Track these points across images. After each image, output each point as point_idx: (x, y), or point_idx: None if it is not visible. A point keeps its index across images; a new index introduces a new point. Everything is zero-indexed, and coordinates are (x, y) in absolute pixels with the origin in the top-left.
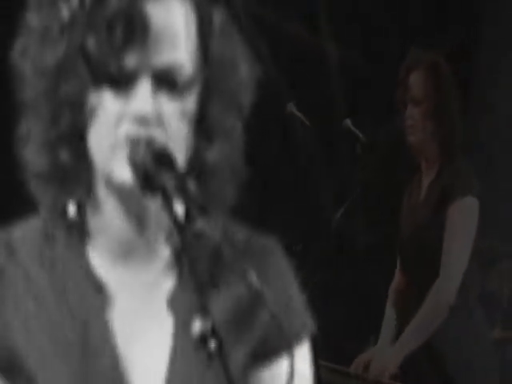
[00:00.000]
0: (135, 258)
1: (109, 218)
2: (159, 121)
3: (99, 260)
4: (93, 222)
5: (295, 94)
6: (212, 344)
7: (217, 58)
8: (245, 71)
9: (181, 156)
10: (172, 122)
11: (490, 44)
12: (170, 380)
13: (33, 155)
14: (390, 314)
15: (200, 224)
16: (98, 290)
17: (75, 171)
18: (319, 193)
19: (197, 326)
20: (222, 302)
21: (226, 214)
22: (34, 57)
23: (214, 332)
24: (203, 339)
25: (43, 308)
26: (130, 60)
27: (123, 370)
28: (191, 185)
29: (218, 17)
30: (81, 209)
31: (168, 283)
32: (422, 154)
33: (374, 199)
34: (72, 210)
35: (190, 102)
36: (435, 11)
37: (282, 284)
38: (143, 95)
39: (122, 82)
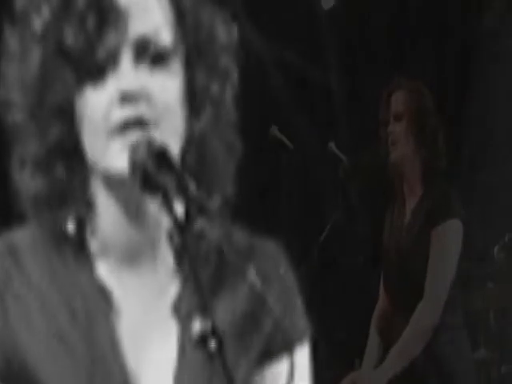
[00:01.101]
0: (139, 263)
1: (109, 223)
2: (146, 96)
3: (104, 267)
4: (94, 231)
5: (279, 117)
6: (212, 344)
7: (194, 24)
8: (223, 34)
9: (177, 127)
10: (160, 96)
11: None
12: None
13: (26, 178)
14: (374, 336)
15: (200, 224)
16: (104, 297)
17: (72, 186)
18: (302, 215)
19: (197, 325)
20: (226, 306)
21: (227, 215)
22: (14, 78)
23: (214, 332)
24: (203, 339)
25: (49, 315)
26: (106, 43)
27: (131, 377)
28: (191, 185)
29: None
30: (80, 223)
31: (173, 288)
32: (405, 173)
33: (356, 222)
34: (71, 227)
35: (176, 69)
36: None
37: (283, 286)
38: (125, 72)
39: (102, 67)
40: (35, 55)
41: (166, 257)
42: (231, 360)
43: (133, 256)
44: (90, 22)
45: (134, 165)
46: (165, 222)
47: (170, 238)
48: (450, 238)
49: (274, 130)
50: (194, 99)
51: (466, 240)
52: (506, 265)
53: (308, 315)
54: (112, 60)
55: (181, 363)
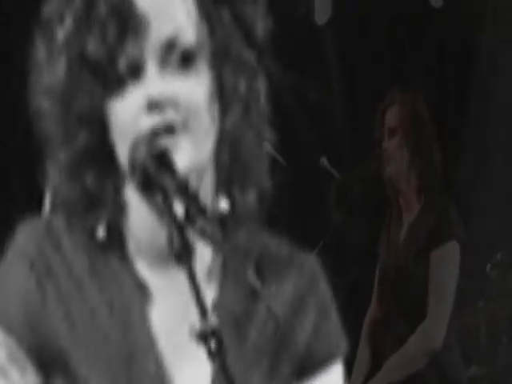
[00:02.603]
0: (172, 265)
1: (141, 226)
2: (173, 102)
3: (141, 263)
4: (129, 233)
5: (271, 132)
6: (212, 344)
7: (220, 23)
8: (253, 33)
9: (206, 129)
10: (187, 99)
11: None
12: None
13: (60, 184)
14: (364, 346)
15: (200, 224)
16: (142, 290)
17: (103, 193)
18: (294, 232)
19: (197, 325)
20: (258, 323)
21: (262, 219)
22: (44, 86)
23: (214, 332)
24: (203, 339)
25: (87, 304)
26: (130, 51)
27: (165, 370)
28: (191, 185)
29: None
30: (112, 228)
31: (211, 287)
32: (401, 188)
33: (349, 238)
34: (101, 232)
35: (202, 72)
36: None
37: (323, 302)
38: (151, 79)
39: (128, 76)
40: (60, 64)
41: (203, 255)
42: (259, 381)
43: (164, 258)
44: (111, 31)
45: (134, 164)
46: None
47: (170, 238)
48: (451, 260)
49: (267, 147)
50: (222, 97)
51: (460, 258)
52: (498, 283)
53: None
54: (136, 67)
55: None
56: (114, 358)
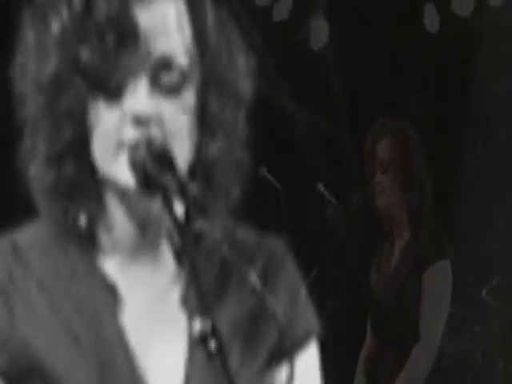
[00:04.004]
0: (144, 262)
1: (118, 225)
2: (158, 120)
3: (108, 261)
4: (102, 230)
5: (267, 157)
6: (212, 344)
7: (213, 50)
8: (241, 62)
9: (184, 152)
10: (172, 119)
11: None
12: (187, 380)
13: (38, 172)
14: (360, 378)
15: (200, 224)
16: (111, 291)
17: (81, 185)
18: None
19: (197, 325)
20: (230, 307)
21: (232, 215)
22: (31, 73)
23: (214, 332)
24: (203, 339)
25: (56, 311)
26: (124, 64)
27: (139, 371)
28: (191, 185)
29: (213, 9)
30: (91, 220)
31: (178, 287)
32: (392, 219)
33: (344, 263)
34: (83, 222)
35: (189, 96)
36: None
37: (292, 284)
38: (139, 96)
39: (119, 88)
40: (52, 59)
41: (168, 257)
42: (235, 363)
43: (138, 255)
44: (109, 39)
45: (134, 165)
46: (165, 224)
47: (170, 238)
48: (442, 278)
49: (264, 171)
50: (206, 124)
51: (455, 282)
52: (494, 308)
53: None
54: (127, 82)
55: (191, 358)
56: (87, 361)
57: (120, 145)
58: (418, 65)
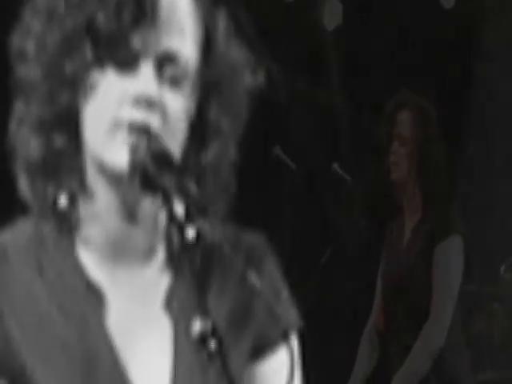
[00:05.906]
0: (128, 256)
1: (100, 210)
2: (161, 107)
3: (92, 260)
4: (83, 215)
5: (281, 137)
6: (212, 344)
7: (219, 62)
8: (247, 79)
9: (176, 151)
10: (174, 113)
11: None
12: (174, 380)
13: (26, 139)
14: (364, 354)
15: (199, 224)
16: (92, 291)
17: (69, 158)
18: (304, 235)
19: (197, 325)
20: (221, 303)
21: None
22: (38, 35)
23: (213, 332)
24: (203, 339)
25: (39, 311)
26: (137, 41)
27: (124, 370)
28: (191, 185)
29: (223, 22)
30: (72, 200)
31: (164, 283)
32: (405, 193)
33: (360, 243)
34: (63, 201)
35: (190, 100)
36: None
37: (272, 279)
38: (146, 76)
39: (127, 63)
40: (64, 19)
41: (158, 250)
42: (229, 357)
43: (121, 247)
44: (128, 11)
45: (134, 165)
46: (161, 219)
47: (169, 237)
48: (453, 253)
49: (277, 150)
50: (201, 131)
51: (472, 260)
52: None
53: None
54: (134, 62)
55: (176, 356)
56: (73, 365)
57: (116, 124)
58: (432, 40)
